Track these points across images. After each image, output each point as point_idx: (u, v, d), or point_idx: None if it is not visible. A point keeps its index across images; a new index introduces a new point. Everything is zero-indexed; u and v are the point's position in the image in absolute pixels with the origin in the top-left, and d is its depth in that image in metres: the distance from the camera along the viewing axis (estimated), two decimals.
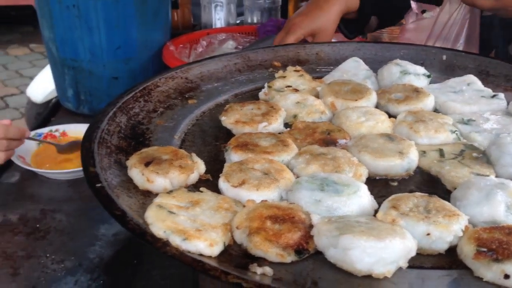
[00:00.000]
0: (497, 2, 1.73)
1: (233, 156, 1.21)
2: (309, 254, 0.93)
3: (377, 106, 1.49)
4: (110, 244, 1.43)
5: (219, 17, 2.74)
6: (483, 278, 0.89)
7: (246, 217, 0.97)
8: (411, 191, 1.09)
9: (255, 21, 2.78)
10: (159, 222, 0.94)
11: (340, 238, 0.89)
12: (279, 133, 1.32)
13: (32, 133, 1.82)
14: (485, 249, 0.90)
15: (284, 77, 1.61)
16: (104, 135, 1.23)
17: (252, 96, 1.59)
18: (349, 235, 0.88)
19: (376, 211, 1.03)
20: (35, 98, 3.80)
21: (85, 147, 1.16)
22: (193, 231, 0.92)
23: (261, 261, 0.91)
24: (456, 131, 1.32)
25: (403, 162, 1.19)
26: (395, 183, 1.19)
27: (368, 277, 0.88)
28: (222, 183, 1.09)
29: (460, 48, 2.03)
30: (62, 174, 1.69)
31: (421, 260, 0.95)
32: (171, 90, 1.54)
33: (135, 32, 2.05)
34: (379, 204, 1.05)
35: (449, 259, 0.95)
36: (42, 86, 3.72)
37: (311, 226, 0.95)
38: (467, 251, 0.92)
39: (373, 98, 1.49)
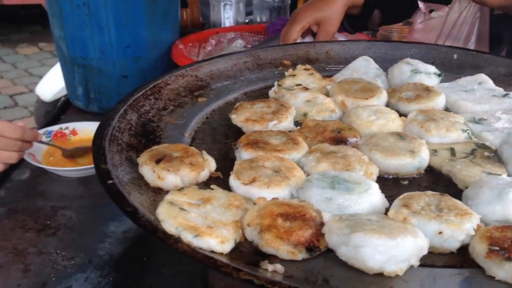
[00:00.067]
0: (507, 0, 1.72)
1: (244, 154, 1.21)
2: (320, 252, 0.93)
3: (388, 105, 1.49)
4: (120, 241, 1.44)
5: (228, 16, 2.74)
6: (495, 277, 0.89)
7: (257, 214, 0.97)
8: (422, 190, 1.08)
9: (264, 20, 2.78)
10: (170, 219, 0.94)
11: (352, 236, 0.88)
12: (289, 132, 1.32)
13: (42, 130, 1.83)
14: (497, 248, 0.90)
15: (294, 75, 1.61)
16: (115, 132, 1.23)
17: (262, 95, 1.59)
18: (360, 233, 0.88)
19: (387, 210, 1.03)
20: (44, 96, 3.82)
21: (97, 144, 1.17)
22: (205, 228, 0.92)
23: (272, 258, 0.91)
24: (467, 130, 1.31)
25: (414, 160, 1.18)
26: (406, 182, 1.19)
27: (380, 275, 0.88)
28: (233, 181, 1.10)
29: (472, 47, 2.02)
30: (72, 172, 1.70)
31: (433, 259, 0.95)
32: (181, 88, 1.54)
33: (144, 31, 2.05)
34: (390, 202, 1.05)
35: (461, 258, 0.95)
36: (51, 84, 3.74)
37: (322, 224, 0.95)
38: (479, 249, 0.92)
39: (383, 96, 1.49)
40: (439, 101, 1.46)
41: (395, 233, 0.89)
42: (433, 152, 1.24)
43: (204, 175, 1.14)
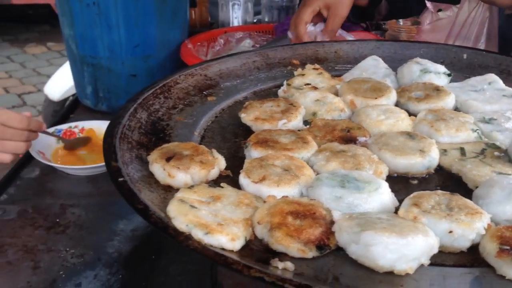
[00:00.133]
0: None
1: (253, 153, 1.21)
2: (330, 250, 0.93)
3: (397, 104, 1.49)
4: (129, 239, 1.44)
5: (236, 16, 2.74)
6: (506, 276, 0.89)
7: (267, 212, 0.97)
8: (431, 190, 1.08)
9: (272, 19, 2.78)
10: (181, 216, 0.94)
11: (362, 234, 0.89)
12: (299, 131, 1.32)
13: (52, 129, 1.84)
14: (508, 247, 0.90)
15: (303, 75, 1.61)
16: (125, 130, 1.24)
17: (271, 94, 1.59)
18: (371, 231, 0.88)
19: (396, 209, 1.03)
20: (52, 96, 3.84)
21: (107, 142, 1.17)
22: (215, 225, 0.92)
23: (282, 256, 0.92)
24: (477, 130, 1.31)
25: (424, 160, 1.18)
26: (416, 181, 1.19)
27: (390, 273, 0.88)
28: (243, 179, 1.10)
29: (481, 48, 2.02)
30: (81, 170, 1.71)
31: (443, 258, 0.94)
32: (190, 87, 1.54)
33: (154, 30, 2.06)
34: (400, 202, 1.05)
35: (471, 257, 0.95)
36: (59, 84, 3.76)
37: (332, 222, 0.95)
38: (489, 249, 0.92)
39: (393, 96, 1.49)
40: (449, 101, 1.45)
41: (405, 231, 0.88)
42: (443, 151, 1.24)
43: (214, 173, 1.15)
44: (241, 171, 1.12)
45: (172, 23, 2.14)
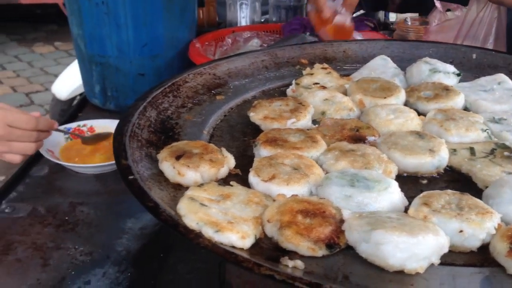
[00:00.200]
0: None
1: (262, 152, 1.21)
2: (340, 249, 0.93)
3: (406, 104, 1.48)
4: (137, 237, 1.45)
5: (244, 15, 2.75)
6: None
7: (277, 210, 0.97)
8: (441, 189, 1.08)
9: (280, 19, 2.78)
10: (191, 214, 0.94)
11: (372, 233, 0.88)
12: (308, 130, 1.32)
13: (61, 127, 1.84)
14: None
15: (312, 74, 1.61)
16: (135, 129, 1.24)
17: (280, 93, 1.60)
18: (381, 230, 0.88)
19: (406, 208, 1.03)
20: (60, 95, 3.86)
21: (117, 140, 1.18)
22: (225, 223, 0.93)
23: (292, 254, 0.92)
24: (487, 129, 1.31)
25: (433, 159, 1.18)
26: (425, 181, 1.19)
27: (400, 272, 0.88)
28: (252, 178, 1.10)
29: (490, 48, 2.01)
30: (89, 168, 1.71)
31: (453, 257, 0.94)
32: (199, 86, 1.55)
33: (162, 30, 2.07)
34: (409, 201, 1.04)
35: (481, 256, 0.95)
36: (66, 83, 3.78)
37: (341, 221, 0.95)
38: (500, 248, 0.92)
39: (402, 95, 1.48)
40: (458, 101, 1.45)
41: (416, 231, 0.88)
42: (453, 151, 1.24)
43: (223, 171, 1.15)
44: (250, 169, 1.12)
45: (180, 22, 2.14)
